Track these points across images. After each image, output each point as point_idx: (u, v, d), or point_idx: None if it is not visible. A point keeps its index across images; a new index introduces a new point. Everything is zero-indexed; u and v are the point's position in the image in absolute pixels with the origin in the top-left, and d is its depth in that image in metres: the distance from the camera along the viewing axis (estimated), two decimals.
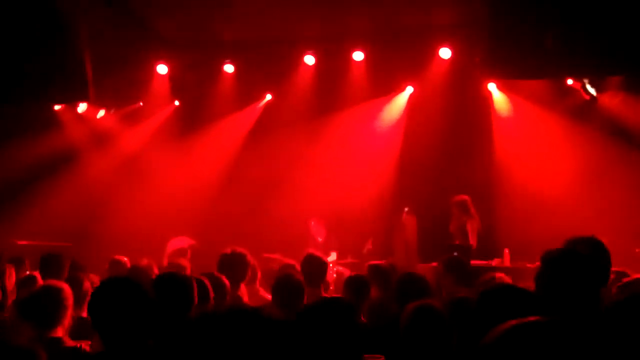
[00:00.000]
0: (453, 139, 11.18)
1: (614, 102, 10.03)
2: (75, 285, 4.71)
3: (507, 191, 10.57)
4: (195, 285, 3.78)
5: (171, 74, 11.33)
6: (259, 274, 6.47)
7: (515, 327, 1.20)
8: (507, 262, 8.72)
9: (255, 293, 6.14)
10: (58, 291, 3.93)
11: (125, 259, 6.96)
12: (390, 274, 6.04)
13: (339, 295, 5.84)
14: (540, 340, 1.13)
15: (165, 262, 10.36)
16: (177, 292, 3.68)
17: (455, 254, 7.30)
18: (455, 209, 9.78)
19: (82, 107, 11.49)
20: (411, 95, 11.60)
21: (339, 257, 10.42)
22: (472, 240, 9.51)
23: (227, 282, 4.63)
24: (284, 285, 4.99)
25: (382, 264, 6.34)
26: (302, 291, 4.96)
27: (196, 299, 3.76)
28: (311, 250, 6.79)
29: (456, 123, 11.15)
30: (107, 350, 2.97)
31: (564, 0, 6.91)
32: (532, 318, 1.22)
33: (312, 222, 10.85)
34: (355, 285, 5.54)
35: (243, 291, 5.72)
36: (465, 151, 11.07)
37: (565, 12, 6.82)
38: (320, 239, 10.70)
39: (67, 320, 3.91)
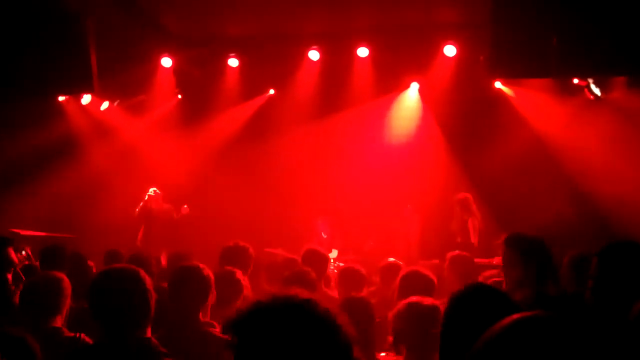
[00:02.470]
0: (456, 135, 11.19)
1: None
2: (77, 276, 4.72)
3: (510, 190, 10.57)
4: (213, 279, 3.79)
5: (176, 67, 11.33)
6: (262, 268, 6.47)
7: (518, 320, 1.18)
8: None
9: (259, 287, 6.14)
10: (57, 281, 3.93)
11: (121, 251, 6.96)
12: (397, 271, 6.06)
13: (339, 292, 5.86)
14: (546, 335, 1.12)
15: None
16: (195, 285, 3.70)
17: (457, 251, 7.28)
18: (457, 207, 9.77)
19: (86, 99, 11.51)
20: (415, 93, 11.62)
21: (340, 253, 10.43)
22: (474, 238, 9.51)
23: (241, 278, 4.63)
24: (297, 280, 4.95)
25: (396, 262, 6.37)
26: (315, 288, 4.95)
27: (213, 293, 3.78)
28: (312, 245, 6.80)
29: (461, 120, 11.16)
30: (107, 340, 2.97)
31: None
32: (532, 312, 1.20)
33: (319, 221, 10.88)
34: (348, 278, 5.58)
35: (246, 285, 5.72)
36: (468, 148, 11.07)
37: (570, 11, 6.80)
38: (325, 236, 10.72)
39: (66, 310, 3.91)
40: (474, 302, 2.39)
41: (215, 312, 3.94)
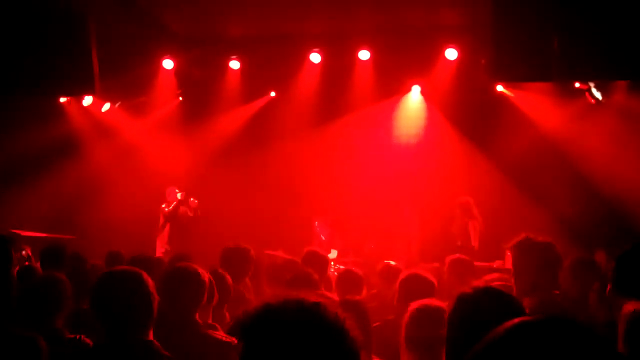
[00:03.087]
0: (458, 138, 11.20)
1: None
2: (77, 277, 4.71)
3: (512, 192, 10.57)
4: (207, 280, 3.78)
5: (177, 69, 11.35)
6: (264, 271, 6.47)
7: (520, 324, 1.16)
8: (508, 264, 8.69)
9: (260, 288, 6.15)
10: (57, 282, 3.91)
11: (122, 252, 6.96)
12: (396, 273, 6.07)
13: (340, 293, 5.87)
14: (547, 339, 1.11)
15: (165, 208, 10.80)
16: (191, 286, 3.69)
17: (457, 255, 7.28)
18: (458, 210, 9.78)
19: (87, 100, 11.53)
20: (417, 96, 11.65)
21: (340, 255, 10.44)
22: (474, 242, 9.51)
23: (229, 278, 4.61)
24: (301, 282, 4.94)
25: (395, 265, 6.38)
26: (318, 290, 4.93)
27: (206, 295, 3.76)
28: (313, 247, 6.80)
29: (462, 123, 11.18)
30: (109, 342, 2.97)
31: (569, 3, 6.90)
32: (535, 316, 1.18)
33: (317, 222, 10.89)
34: (347, 281, 5.58)
35: (248, 286, 5.73)
36: (469, 150, 11.08)
37: (571, 16, 6.81)
38: (324, 238, 10.73)
39: (66, 311, 3.90)
40: (482, 304, 2.38)
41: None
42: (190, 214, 11.08)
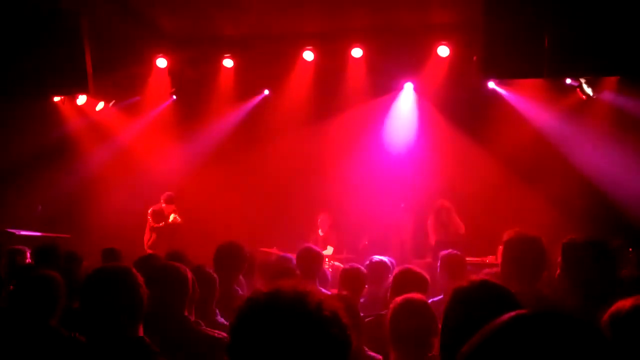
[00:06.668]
0: (450, 134, 11.23)
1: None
2: (70, 276, 4.72)
3: (505, 189, 10.61)
4: (189, 276, 3.78)
5: (171, 68, 11.35)
6: (256, 267, 6.50)
7: (516, 318, 1.16)
8: (500, 259, 8.74)
9: (253, 286, 6.18)
10: (50, 280, 3.90)
11: (118, 248, 6.97)
12: (389, 270, 6.11)
13: (335, 289, 5.92)
14: (543, 333, 1.12)
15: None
16: (171, 284, 3.69)
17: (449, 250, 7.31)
18: (435, 215, 9.84)
19: (81, 99, 11.52)
20: (410, 93, 11.67)
21: (335, 251, 10.47)
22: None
23: (215, 274, 4.63)
24: (282, 278, 4.97)
25: (383, 260, 6.40)
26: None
27: (190, 291, 3.76)
28: (307, 244, 6.83)
29: (454, 120, 11.20)
30: (99, 340, 2.95)
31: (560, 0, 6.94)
32: (530, 310, 1.19)
33: (321, 216, 10.88)
34: (351, 277, 5.61)
35: (242, 283, 5.75)
36: (462, 147, 11.11)
37: (561, 12, 6.85)
38: (321, 233, 10.75)
39: (60, 309, 3.90)
40: (478, 297, 2.39)
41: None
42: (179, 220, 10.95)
